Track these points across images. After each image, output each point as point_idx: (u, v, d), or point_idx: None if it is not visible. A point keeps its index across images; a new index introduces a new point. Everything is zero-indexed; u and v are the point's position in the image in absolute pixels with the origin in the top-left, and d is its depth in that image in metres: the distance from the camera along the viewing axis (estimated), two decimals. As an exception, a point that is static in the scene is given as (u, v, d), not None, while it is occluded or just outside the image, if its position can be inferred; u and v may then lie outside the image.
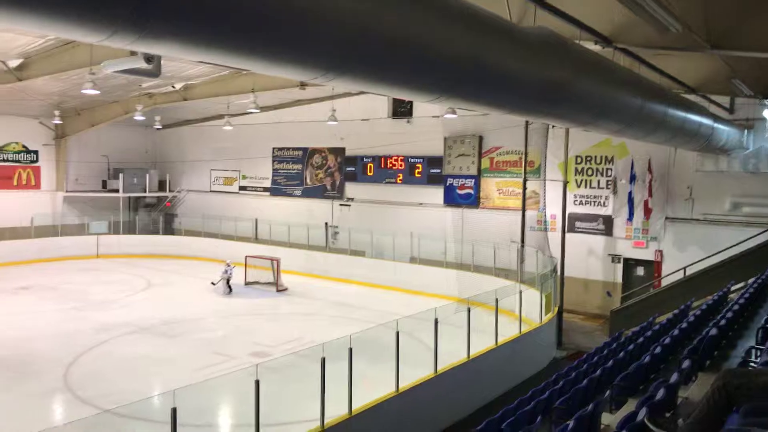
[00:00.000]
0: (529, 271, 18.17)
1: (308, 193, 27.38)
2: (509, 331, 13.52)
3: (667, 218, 18.73)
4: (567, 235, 18.60)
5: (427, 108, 21.62)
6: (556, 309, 16.51)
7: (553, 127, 18.11)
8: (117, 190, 29.75)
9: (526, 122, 18.57)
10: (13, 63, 19.33)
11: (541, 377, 11.27)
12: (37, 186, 28.80)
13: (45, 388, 11.99)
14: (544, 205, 19.84)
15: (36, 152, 28.75)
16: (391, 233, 22.87)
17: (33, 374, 12.62)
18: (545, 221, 19.77)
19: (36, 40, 17.63)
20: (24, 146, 28.37)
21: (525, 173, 19.64)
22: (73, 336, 15.23)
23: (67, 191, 29.30)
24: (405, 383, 10.17)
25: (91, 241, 27.81)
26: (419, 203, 23.70)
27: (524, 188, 19.53)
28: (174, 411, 6.92)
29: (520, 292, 14.79)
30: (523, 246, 18.90)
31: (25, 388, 11.86)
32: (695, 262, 17.23)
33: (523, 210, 19.35)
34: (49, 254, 26.06)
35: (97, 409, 10.66)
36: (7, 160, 27.83)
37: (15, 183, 28.06)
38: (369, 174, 25.17)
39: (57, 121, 26.85)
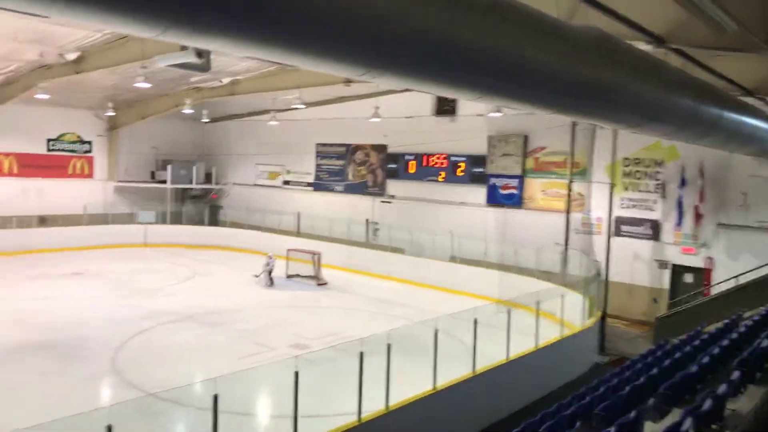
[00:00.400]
0: (572, 275, 17.85)
1: (350, 189, 27.54)
2: (550, 334, 13.33)
3: (719, 224, 18.10)
4: (612, 238, 18.21)
5: (471, 106, 21.46)
6: (600, 314, 16.18)
7: (600, 128, 17.73)
8: (165, 181, 30.58)
9: (573, 122, 18.23)
10: (71, 56, 20.06)
11: (582, 382, 11.08)
12: (90, 175, 29.85)
13: (94, 370, 12.44)
14: (590, 208, 19.46)
15: (90, 143, 29.78)
16: (431, 231, 22.83)
17: (83, 357, 13.11)
18: (590, 224, 19.39)
19: (93, 35, 18.26)
20: (79, 137, 29.44)
21: (570, 175, 19.30)
22: (120, 322, 15.75)
23: (117, 181, 30.29)
24: (443, 382, 10.16)
25: (139, 230, 28.70)
26: (461, 202, 23.56)
27: (569, 190, 19.19)
28: (216, 398, 7.08)
29: (563, 296, 14.56)
30: (566, 249, 18.58)
31: (75, 371, 12.33)
32: (748, 271, 16.61)
33: (568, 212, 19.02)
34: (100, 241, 27.00)
35: (142, 393, 11.01)
36: (63, 150, 28.93)
37: (69, 172, 29.14)
38: (411, 171, 25.16)
39: (110, 113, 27.76)
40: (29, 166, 27.62)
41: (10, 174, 27.06)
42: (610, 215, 18.07)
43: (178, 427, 10.42)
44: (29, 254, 24.47)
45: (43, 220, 27.13)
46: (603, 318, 16.53)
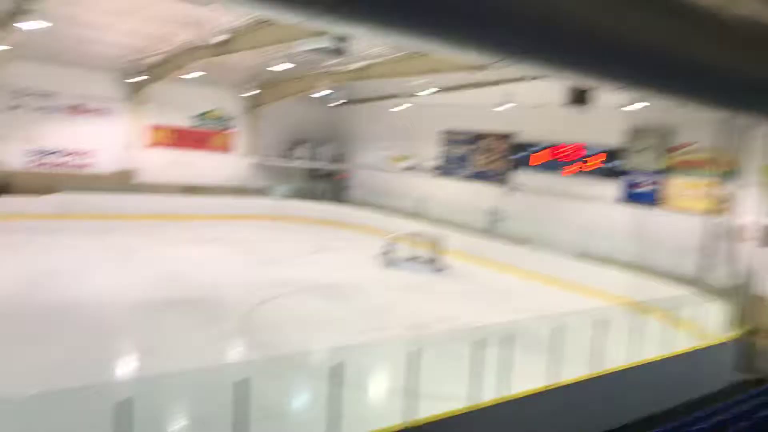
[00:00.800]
0: (712, 283, 16.49)
1: (474, 177, 27.28)
2: (683, 343, 12.46)
3: None
4: (764, 248, 16.55)
5: (607, 97, 20.30)
6: (745, 328, 14.83)
7: (755, 125, 16.10)
8: (297, 159, 32.21)
9: (722, 118, 16.69)
10: (220, 38, 21.59)
11: (716, 399, 10.28)
12: (230, 150, 32.10)
13: (226, 329, 13.43)
14: (738, 212, 17.82)
15: (232, 120, 31.98)
16: (556, 225, 22.06)
17: (218, 317, 14.20)
18: (737, 230, 17.76)
19: (239, 18, 19.50)
20: (223, 114, 31.70)
21: (717, 175, 17.75)
22: (251, 287, 16.88)
23: (254, 157, 32.31)
24: (559, 380, 9.87)
25: (272, 204, 30.49)
26: (590, 197, 22.51)
27: (715, 191, 17.68)
28: (337, 367, 7.38)
29: (700, 304, 13.52)
30: (708, 255, 17.17)
31: (211, 328, 13.40)
32: None
33: (712, 215, 17.54)
34: (236, 212, 29.06)
35: (267, 355, 11.76)
36: (208, 125, 31.31)
37: (213, 146, 31.51)
38: (538, 162, 24.40)
39: (251, 92, 29.61)
40: (179, 138, 30.30)
41: (164, 145, 29.81)
42: (761, 221, 16.40)
43: (299, 391, 10.97)
44: (177, 219, 26.87)
45: (189, 189, 29.60)
46: (747, 333, 15.14)
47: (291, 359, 11.17)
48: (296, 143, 32.87)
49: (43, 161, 26.79)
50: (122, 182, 28.12)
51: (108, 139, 28.18)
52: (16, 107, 25.96)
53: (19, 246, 19.77)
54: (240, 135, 32.35)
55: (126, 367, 11.51)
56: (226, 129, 31.95)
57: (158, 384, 8.88)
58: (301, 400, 10.86)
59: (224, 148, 31.99)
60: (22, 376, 9.80)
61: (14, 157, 25.95)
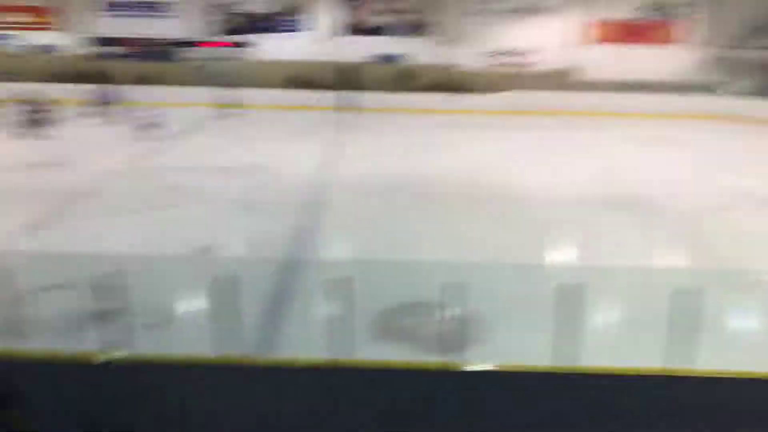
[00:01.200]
0: None
1: None
2: None
3: None
4: None
5: None
6: None
7: None
8: (759, 50, 27.06)
9: None
10: None
11: None
12: (678, 42, 29.15)
13: (665, 235, 12.83)
14: None
15: (683, 8, 28.79)
16: None
17: (656, 221, 13.53)
18: None
19: None
20: (673, 2, 28.75)
21: None
22: (696, 194, 15.66)
23: (706, 49, 28.61)
24: None
25: (725, 102, 26.91)
26: None
27: None
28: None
29: None
30: None
31: (648, 232, 12.91)
32: None
33: None
34: (681, 111, 26.70)
35: (708, 268, 10.93)
36: (655, 16, 28.95)
37: (658, 38, 29.10)
38: None
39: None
40: (622, 32, 29.09)
41: (607, 41, 29.11)
42: None
43: (746, 312, 9.87)
44: (616, 117, 26.19)
45: (630, 86, 28.13)
46: None
47: (736, 276, 10.12)
48: (760, 30, 27.44)
49: (494, 61, 29.48)
50: (563, 80, 28.83)
51: (551, 39, 29.03)
52: (476, 13, 28.96)
53: (472, 140, 22.24)
54: (690, 25, 28.95)
55: (561, 257, 12.26)
56: (674, 19, 29.01)
57: (592, 276, 9.25)
58: (749, 321, 9.76)
59: (670, 40, 29.25)
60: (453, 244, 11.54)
61: (471, 58, 29.21)
